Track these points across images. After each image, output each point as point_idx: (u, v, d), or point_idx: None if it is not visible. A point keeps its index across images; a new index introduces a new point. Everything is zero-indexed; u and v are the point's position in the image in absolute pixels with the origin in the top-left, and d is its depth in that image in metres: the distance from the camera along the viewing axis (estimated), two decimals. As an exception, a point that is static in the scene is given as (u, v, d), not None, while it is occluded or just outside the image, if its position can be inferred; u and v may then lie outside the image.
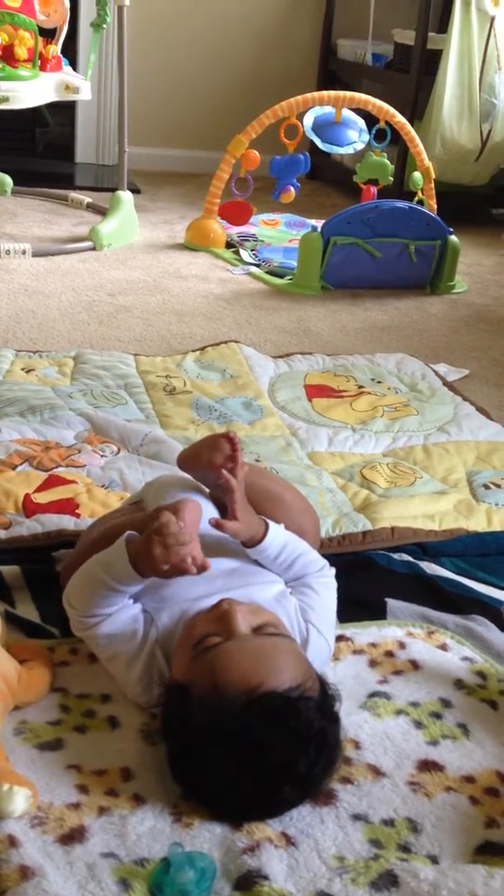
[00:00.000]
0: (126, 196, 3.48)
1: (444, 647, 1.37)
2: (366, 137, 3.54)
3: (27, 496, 1.65)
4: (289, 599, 1.24)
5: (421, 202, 3.45)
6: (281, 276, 3.22)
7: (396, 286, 3.21)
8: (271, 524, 1.28)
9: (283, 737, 1.01)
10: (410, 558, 1.60)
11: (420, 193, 3.54)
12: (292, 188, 3.37)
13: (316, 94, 3.40)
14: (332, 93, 3.42)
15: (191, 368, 2.33)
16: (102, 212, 3.63)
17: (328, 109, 3.49)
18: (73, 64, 3.50)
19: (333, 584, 1.31)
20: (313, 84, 4.56)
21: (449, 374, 2.49)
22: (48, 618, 1.36)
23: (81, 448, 1.85)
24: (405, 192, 3.67)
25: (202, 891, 0.95)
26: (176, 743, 1.07)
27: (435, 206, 3.53)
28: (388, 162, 3.54)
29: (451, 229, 3.20)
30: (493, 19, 3.81)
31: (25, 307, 2.74)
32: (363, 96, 3.44)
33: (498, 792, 1.12)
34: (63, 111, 4.68)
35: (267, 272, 3.26)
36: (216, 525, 1.22)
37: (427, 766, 1.15)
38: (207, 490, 1.36)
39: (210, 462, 1.30)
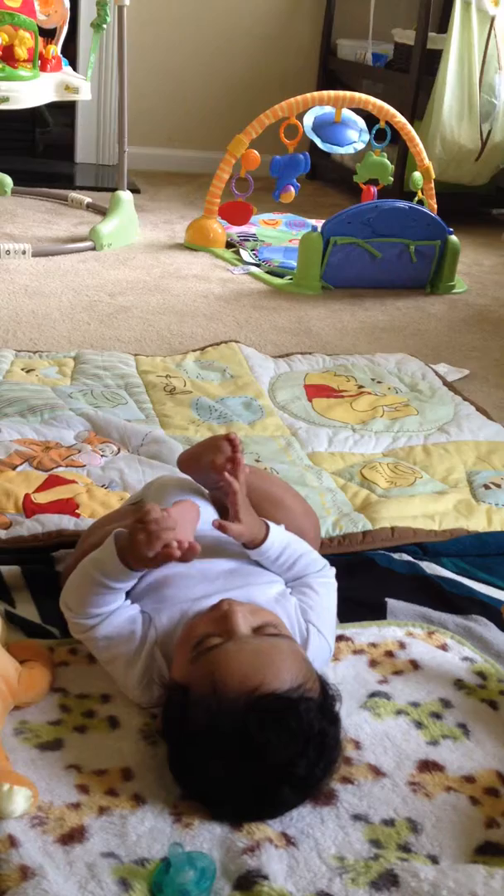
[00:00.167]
0: (126, 196, 3.48)
1: (444, 648, 1.37)
2: (366, 137, 3.54)
3: (27, 496, 1.65)
4: (289, 599, 1.24)
5: (421, 202, 3.45)
6: (281, 276, 3.22)
7: (396, 286, 3.21)
8: (272, 525, 1.28)
9: (284, 737, 1.01)
10: (410, 558, 1.60)
11: (420, 193, 3.54)
12: (292, 188, 3.37)
13: (316, 94, 3.40)
14: (332, 93, 3.42)
15: (191, 368, 2.33)
16: (102, 212, 3.63)
17: (328, 109, 3.49)
18: (73, 64, 3.50)
19: (334, 584, 1.31)
20: (313, 84, 4.56)
21: (449, 374, 2.49)
22: (48, 618, 1.36)
23: (81, 448, 1.85)
24: (405, 192, 3.68)
25: (202, 891, 0.95)
26: (176, 743, 1.07)
27: (435, 206, 3.53)
28: (388, 162, 3.54)
29: (451, 229, 3.20)
30: (493, 19, 3.82)
31: (25, 307, 2.74)
32: (363, 96, 3.44)
33: (498, 792, 1.12)
34: (63, 111, 4.70)
35: (267, 272, 3.26)
36: (219, 527, 1.22)
37: (427, 766, 1.15)
38: (207, 491, 1.36)
39: (211, 464, 1.30)
